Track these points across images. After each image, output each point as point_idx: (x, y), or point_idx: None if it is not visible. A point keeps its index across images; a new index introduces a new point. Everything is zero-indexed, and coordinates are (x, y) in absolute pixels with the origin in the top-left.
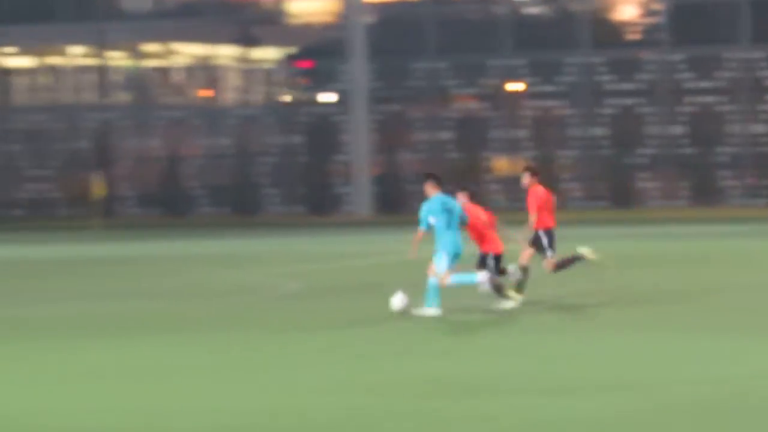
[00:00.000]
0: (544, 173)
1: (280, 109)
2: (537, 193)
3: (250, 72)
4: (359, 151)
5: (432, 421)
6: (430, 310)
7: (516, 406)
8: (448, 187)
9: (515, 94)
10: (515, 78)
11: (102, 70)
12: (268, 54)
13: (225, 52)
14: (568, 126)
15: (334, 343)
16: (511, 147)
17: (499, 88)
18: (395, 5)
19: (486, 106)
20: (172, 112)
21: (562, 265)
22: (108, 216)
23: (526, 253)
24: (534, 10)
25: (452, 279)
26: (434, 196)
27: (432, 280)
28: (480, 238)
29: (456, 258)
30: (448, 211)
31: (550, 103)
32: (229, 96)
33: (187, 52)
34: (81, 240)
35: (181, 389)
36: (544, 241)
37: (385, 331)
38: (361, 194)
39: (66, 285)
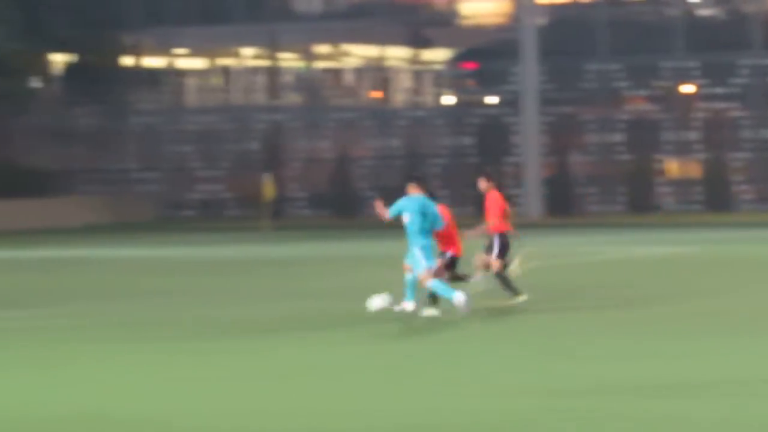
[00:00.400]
0: (716, 175)
1: (450, 110)
2: (496, 198)
3: (420, 73)
4: (530, 153)
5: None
6: (458, 299)
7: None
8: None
9: (687, 96)
10: (687, 80)
11: (273, 72)
12: (438, 55)
13: (396, 54)
14: (740, 128)
15: (504, 343)
16: (683, 149)
17: (671, 90)
18: (567, 6)
19: (658, 107)
20: (343, 114)
21: (504, 280)
22: (278, 217)
23: (482, 259)
24: (707, 11)
25: (432, 284)
26: (415, 195)
27: (432, 283)
28: (442, 238)
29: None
30: (423, 214)
31: (722, 105)
32: (400, 97)
33: (357, 53)
34: (251, 241)
35: (352, 389)
36: (496, 245)
37: (557, 332)
38: (531, 196)
39: (236, 285)
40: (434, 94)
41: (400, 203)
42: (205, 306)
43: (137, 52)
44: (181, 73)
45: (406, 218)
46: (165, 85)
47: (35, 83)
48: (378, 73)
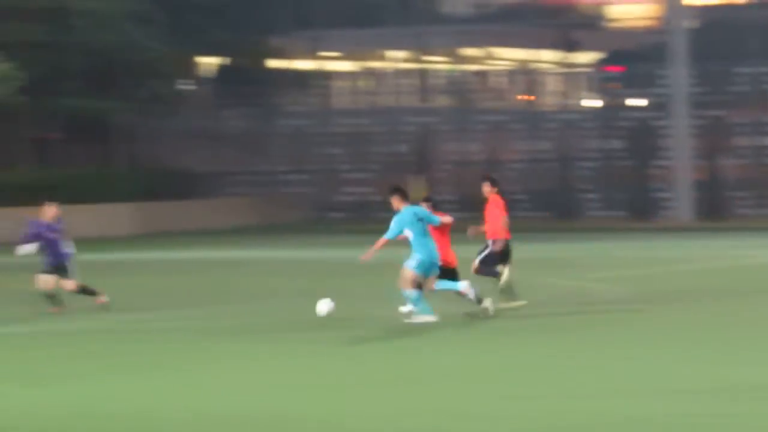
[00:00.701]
0: None
1: (598, 113)
2: (496, 203)
3: (569, 76)
4: (680, 157)
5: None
6: (427, 317)
7: None
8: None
9: None
10: None
11: (422, 74)
12: (587, 58)
13: (545, 57)
14: None
15: (660, 347)
16: None
17: None
18: (718, 9)
19: None
20: (492, 116)
21: (483, 272)
22: None
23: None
24: None
25: (437, 285)
26: (404, 208)
27: (408, 292)
28: (443, 248)
29: (433, 266)
30: (420, 220)
31: None
32: (549, 100)
33: (506, 56)
34: (399, 243)
35: (496, 392)
36: (486, 251)
37: (716, 337)
38: (682, 199)
39: (381, 287)
40: (582, 96)
41: (398, 223)
42: (352, 307)
43: (286, 54)
44: (330, 76)
45: (408, 233)
46: (314, 88)
47: (184, 86)
48: (527, 76)
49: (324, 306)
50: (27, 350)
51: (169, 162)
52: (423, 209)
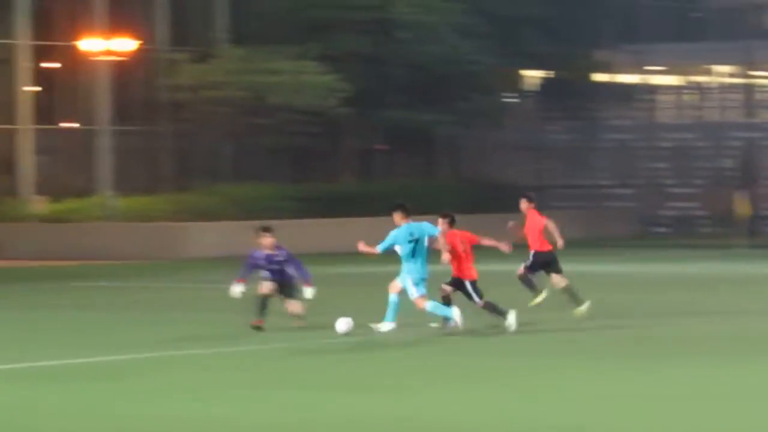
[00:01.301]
0: None
1: None
2: (534, 218)
3: None
4: None
5: None
6: (387, 326)
7: None
8: None
9: None
10: None
11: (748, 89)
12: None
13: None
14: None
15: None
16: None
17: None
18: None
19: None
20: None
21: (570, 293)
22: (752, 235)
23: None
24: None
25: (429, 306)
26: (403, 224)
27: (392, 296)
28: (457, 263)
29: (422, 282)
30: (415, 240)
31: None
32: None
33: None
34: (723, 258)
35: None
36: (530, 260)
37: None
38: None
39: (698, 302)
40: None
41: (391, 238)
42: (663, 322)
43: (611, 68)
44: (655, 90)
45: (399, 249)
46: (638, 102)
47: (508, 99)
48: None
49: (343, 324)
50: (349, 358)
51: (492, 175)
52: (420, 227)
